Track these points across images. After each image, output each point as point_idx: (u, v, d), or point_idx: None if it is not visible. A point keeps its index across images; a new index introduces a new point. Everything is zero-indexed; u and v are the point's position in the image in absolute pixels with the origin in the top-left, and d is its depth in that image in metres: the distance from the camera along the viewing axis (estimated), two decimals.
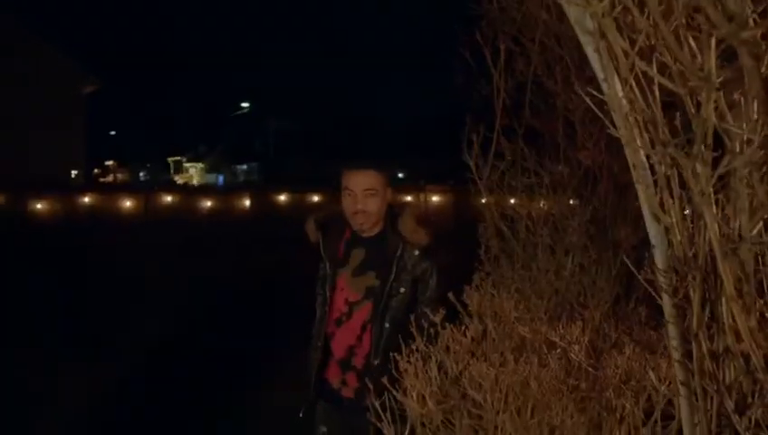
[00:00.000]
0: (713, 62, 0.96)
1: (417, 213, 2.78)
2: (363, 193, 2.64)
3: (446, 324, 2.17)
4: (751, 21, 0.94)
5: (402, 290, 2.65)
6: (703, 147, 1.06)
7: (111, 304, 8.70)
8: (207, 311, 8.34)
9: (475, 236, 3.78)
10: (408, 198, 20.69)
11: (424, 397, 1.81)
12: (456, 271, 3.26)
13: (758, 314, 1.16)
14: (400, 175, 38.30)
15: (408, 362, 1.92)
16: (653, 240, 1.25)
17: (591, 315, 2.33)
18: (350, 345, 2.70)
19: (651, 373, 1.63)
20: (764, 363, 1.16)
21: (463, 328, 2.19)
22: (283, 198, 20.78)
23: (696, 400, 1.32)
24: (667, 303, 1.29)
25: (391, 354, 2.34)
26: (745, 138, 0.99)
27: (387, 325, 2.61)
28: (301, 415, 2.79)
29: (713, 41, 0.93)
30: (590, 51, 1.11)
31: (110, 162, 65.77)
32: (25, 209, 18.27)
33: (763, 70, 0.93)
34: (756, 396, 1.22)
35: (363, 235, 2.75)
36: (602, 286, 2.86)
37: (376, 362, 2.59)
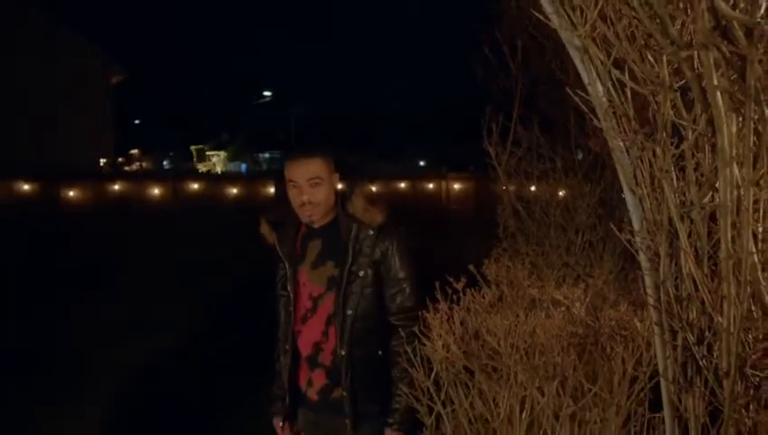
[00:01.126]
0: (665, 71, 1.29)
1: (368, 193, 2.60)
2: (308, 183, 2.46)
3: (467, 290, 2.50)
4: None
5: (361, 274, 2.48)
6: (664, 134, 1.39)
7: (129, 296, 8.82)
8: (222, 308, 8.43)
9: (494, 217, 4.13)
10: (431, 185, 20.96)
11: (448, 346, 2.16)
12: (479, 247, 3.61)
13: (710, 265, 1.49)
14: (422, 163, 38.51)
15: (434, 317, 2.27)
16: (630, 208, 1.59)
17: (594, 282, 2.66)
18: (316, 341, 2.54)
19: (636, 320, 1.96)
20: (714, 304, 1.50)
21: (482, 292, 2.54)
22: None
23: (666, 336, 1.66)
24: (642, 258, 1.64)
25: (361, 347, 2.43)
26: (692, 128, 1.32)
27: (349, 312, 2.45)
28: (281, 424, 2.68)
29: (664, 57, 1.27)
30: (577, 62, 1.45)
31: (134, 151, 66.35)
32: (58, 197, 18.83)
33: (705, 82, 1.26)
34: (710, 330, 1.55)
35: (315, 226, 2.57)
36: (607, 260, 3.19)
37: (342, 353, 2.44)
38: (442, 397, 2.23)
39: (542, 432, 2.16)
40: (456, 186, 21.06)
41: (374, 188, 20.59)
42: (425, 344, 2.26)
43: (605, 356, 2.08)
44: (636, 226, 1.60)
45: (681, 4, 1.15)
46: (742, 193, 1.30)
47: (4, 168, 18.17)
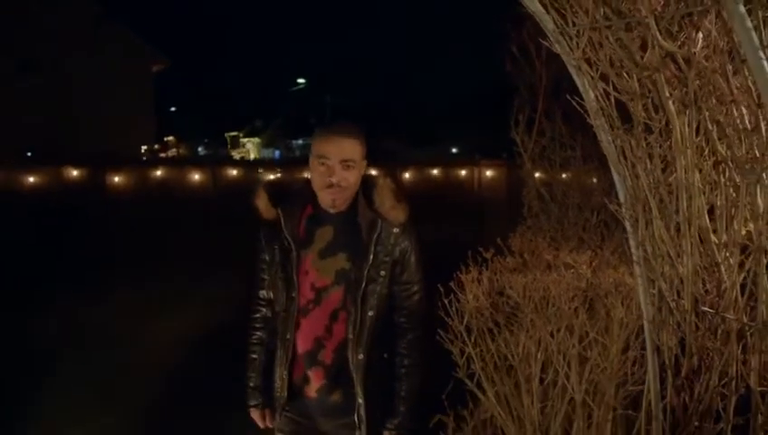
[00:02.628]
0: (636, 85, 1.79)
1: (393, 186, 2.39)
2: (341, 164, 2.22)
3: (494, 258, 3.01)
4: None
5: (382, 274, 2.31)
6: (638, 130, 1.89)
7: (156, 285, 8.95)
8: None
9: (521, 200, 4.63)
10: (463, 172, 21.35)
11: (477, 297, 2.67)
12: (507, 226, 4.10)
13: (675, 227, 1.98)
14: (454, 150, 38.85)
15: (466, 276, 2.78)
16: (617, 185, 2.09)
17: (602, 253, 3.15)
18: (318, 337, 2.33)
19: (627, 276, 2.46)
20: (678, 258, 1.99)
21: (506, 259, 3.05)
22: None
23: (646, 285, 2.15)
24: (627, 224, 2.13)
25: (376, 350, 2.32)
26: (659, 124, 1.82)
27: (370, 314, 2.29)
28: (278, 420, 2.47)
29: (634, 75, 1.76)
30: (574, 75, 1.95)
31: (169, 138, 67.15)
32: (104, 182, 19.68)
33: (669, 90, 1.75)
34: (677, 279, 2.04)
35: (330, 211, 2.34)
36: (617, 235, 3.66)
37: (359, 357, 2.28)
38: (472, 341, 2.74)
39: (553, 369, 2.67)
40: (489, 173, 21.41)
41: (407, 175, 21.12)
42: (459, 300, 2.78)
43: (604, 306, 2.58)
44: (621, 199, 2.10)
45: (640, 41, 1.65)
46: (689, 173, 1.80)
47: (52, 154, 19.08)
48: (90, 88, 22.18)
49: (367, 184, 2.37)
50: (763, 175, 1.61)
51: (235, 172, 22.35)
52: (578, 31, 1.81)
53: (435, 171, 21.55)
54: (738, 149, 1.65)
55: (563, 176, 4.50)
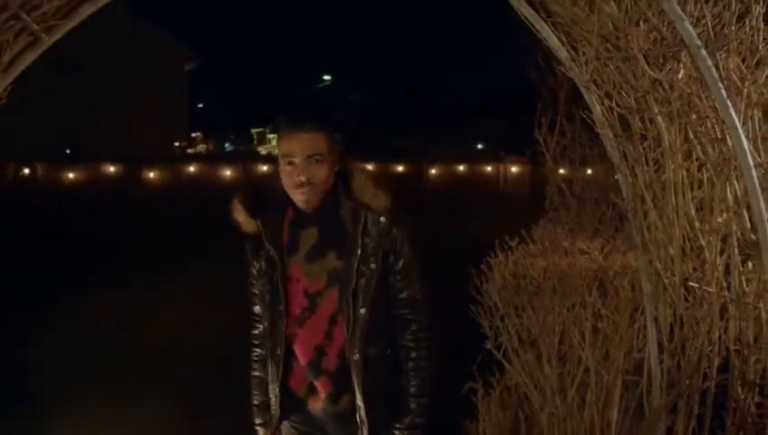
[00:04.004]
0: (633, 102, 2.23)
1: (372, 173, 2.32)
2: (308, 160, 2.13)
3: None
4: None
5: (373, 266, 2.19)
6: (637, 137, 2.34)
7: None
8: None
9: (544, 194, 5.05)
10: (489, 169, 21.70)
11: (504, 276, 3.13)
12: (530, 220, 4.54)
13: (667, 217, 2.42)
14: (480, 146, 39.13)
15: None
16: (620, 182, 2.54)
17: (614, 241, 3.58)
18: (318, 345, 2.23)
19: (633, 260, 2.90)
20: (669, 242, 2.43)
21: (529, 247, 3.50)
22: (369, 167, 22.14)
23: (645, 266, 2.60)
24: (629, 215, 2.58)
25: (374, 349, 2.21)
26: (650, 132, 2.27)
27: (362, 311, 2.18)
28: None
29: (632, 94, 2.21)
30: (584, 93, 2.40)
31: (196, 134, 67.63)
32: (140, 178, 20.41)
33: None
34: (669, 259, 2.48)
35: (309, 210, 2.21)
36: (628, 226, 4.09)
37: (356, 358, 2.18)
38: (500, 316, 3.19)
39: (569, 341, 3.11)
40: (514, 169, 21.76)
41: (434, 171, 21.58)
42: (488, 281, 3.23)
43: (612, 285, 3.02)
44: (624, 194, 2.55)
45: (634, 70, 2.10)
46: (677, 173, 2.24)
47: (90, 151, 19.82)
48: (126, 87, 22.87)
49: (344, 176, 2.27)
50: (731, 174, 2.05)
51: (265, 168, 22.96)
52: (586, 59, 2.26)
53: (460, 168, 21.95)
54: (712, 154, 2.09)
55: (588, 172, 4.92)
